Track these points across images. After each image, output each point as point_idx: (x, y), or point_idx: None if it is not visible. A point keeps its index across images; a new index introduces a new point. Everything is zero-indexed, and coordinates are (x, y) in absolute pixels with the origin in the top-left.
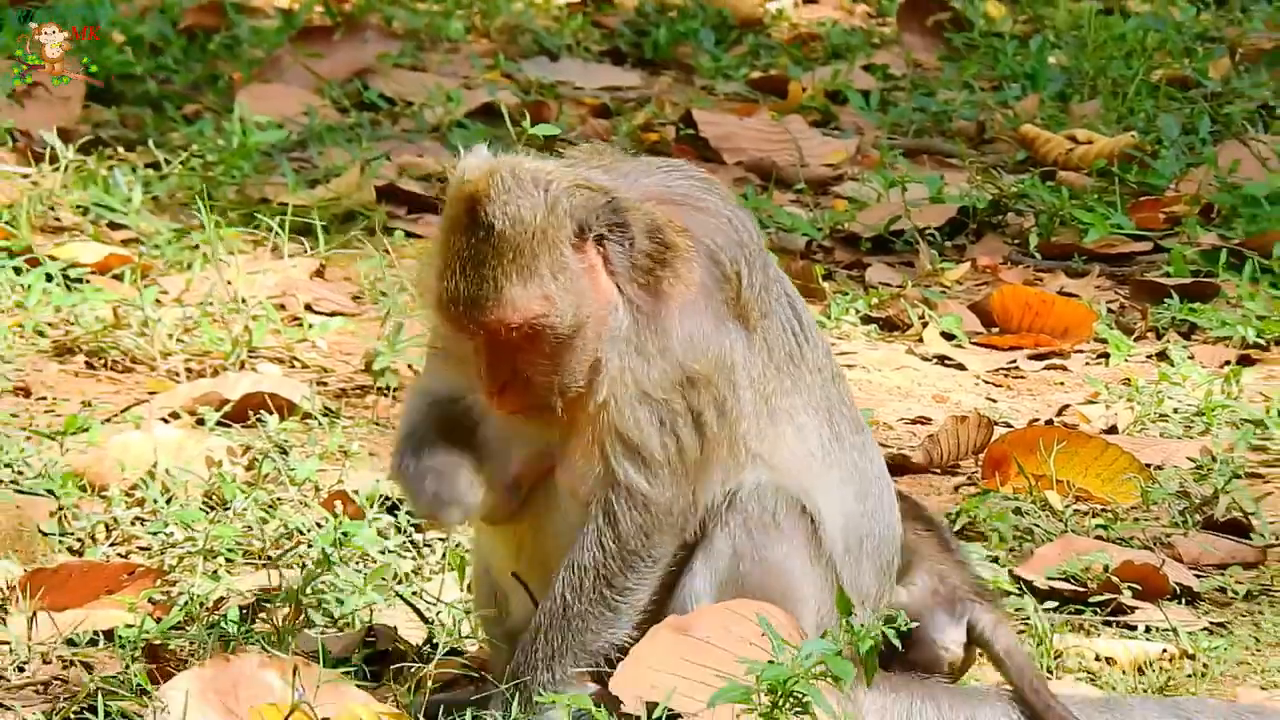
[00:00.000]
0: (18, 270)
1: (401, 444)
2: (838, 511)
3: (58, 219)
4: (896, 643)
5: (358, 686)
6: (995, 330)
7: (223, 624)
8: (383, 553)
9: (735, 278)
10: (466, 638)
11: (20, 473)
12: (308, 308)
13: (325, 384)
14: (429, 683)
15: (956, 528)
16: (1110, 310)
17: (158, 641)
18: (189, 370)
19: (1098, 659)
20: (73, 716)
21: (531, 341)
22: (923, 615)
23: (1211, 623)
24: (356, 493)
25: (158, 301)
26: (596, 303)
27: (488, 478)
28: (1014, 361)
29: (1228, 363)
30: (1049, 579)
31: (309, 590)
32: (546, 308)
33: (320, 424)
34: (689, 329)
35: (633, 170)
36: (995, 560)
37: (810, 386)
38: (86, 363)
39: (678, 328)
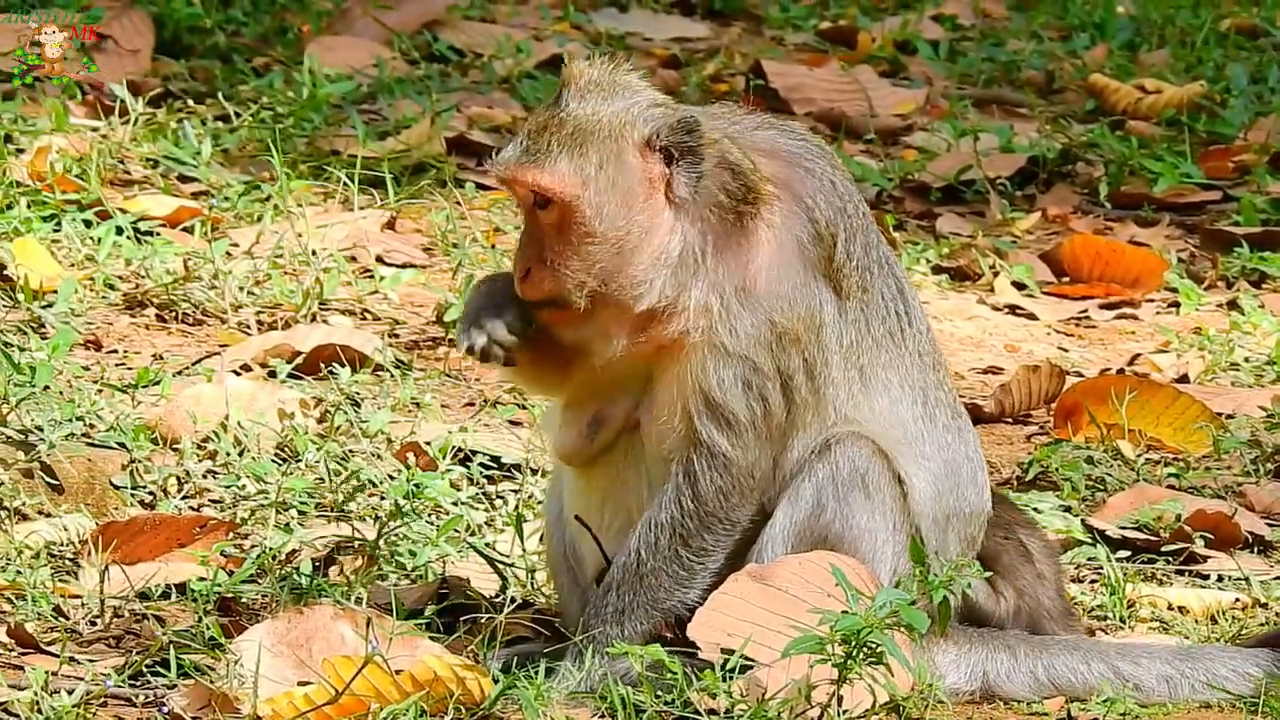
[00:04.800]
0: (88, 223)
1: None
2: (927, 483)
3: (128, 172)
4: (971, 594)
5: (431, 639)
6: (1066, 280)
7: (295, 576)
8: (455, 504)
9: (829, 238)
10: (540, 589)
11: (92, 426)
12: (379, 259)
13: (397, 336)
14: (501, 635)
15: (1028, 477)
16: (1180, 259)
17: (230, 594)
18: (260, 323)
19: (1170, 608)
20: (145, 669)
21: (563, 225)
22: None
23: None
24: (429, 444)
25: (228, 254)
26: (645, 216)
27: (570, 414)
28: (1085, 311)
29: None
30: (1121, 528)
31: (382, 542)
32: (580, 189)
33: (392, 376)
34: (776, 276)
35: (749, 124)
36: (1068, 510)
37: (908, 367)
38: (157, 315)
39: (764, 274)
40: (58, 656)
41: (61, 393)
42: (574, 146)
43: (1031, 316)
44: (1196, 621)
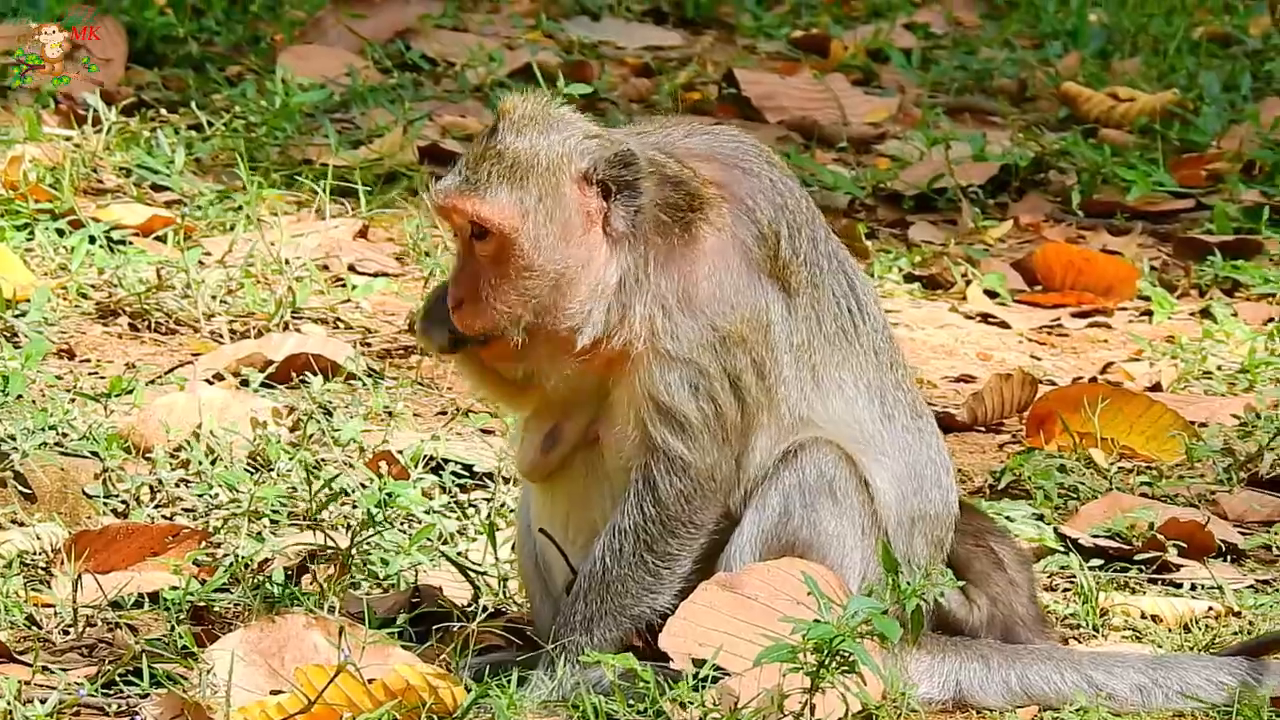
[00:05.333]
0: (61, 232)
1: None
2: (888, 484)
3: (100, 181)
4: (944, 602)
5: (403, 647)
6: (1038, 288)
7: (268, 585)
8: (427, 513)
9: (773, 237)
10: (512, 598)
11: (65, 435)
12: (351, 268)
13: (369, 344)
14: (474, 643)
15: (1001, 486)
16: (1153, 267)
17: (203, 603)
18: (232, 332)
19: (1144, 616)
20: (118, 678)
21: (500, 258)
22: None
23: (1257, 580)
24: (401, 453)
25: (201, 263)
26: (583, 249)
27: (529, 429)
28: (1057, 319)
29: (1271, 320)
30: (1094, 536)
31: (354, 551)
32: (519, 222)
33: (364, 384)
34: (718, 281)
35: (679, 133)
36: (1040, 518)
37: (863, 366)
38: (130, 324)
39: (706, 280)
40: (30, 666)
41: (34, 401)
42: (513, 178)
43: (1004, 325)
44: (1169, 630)
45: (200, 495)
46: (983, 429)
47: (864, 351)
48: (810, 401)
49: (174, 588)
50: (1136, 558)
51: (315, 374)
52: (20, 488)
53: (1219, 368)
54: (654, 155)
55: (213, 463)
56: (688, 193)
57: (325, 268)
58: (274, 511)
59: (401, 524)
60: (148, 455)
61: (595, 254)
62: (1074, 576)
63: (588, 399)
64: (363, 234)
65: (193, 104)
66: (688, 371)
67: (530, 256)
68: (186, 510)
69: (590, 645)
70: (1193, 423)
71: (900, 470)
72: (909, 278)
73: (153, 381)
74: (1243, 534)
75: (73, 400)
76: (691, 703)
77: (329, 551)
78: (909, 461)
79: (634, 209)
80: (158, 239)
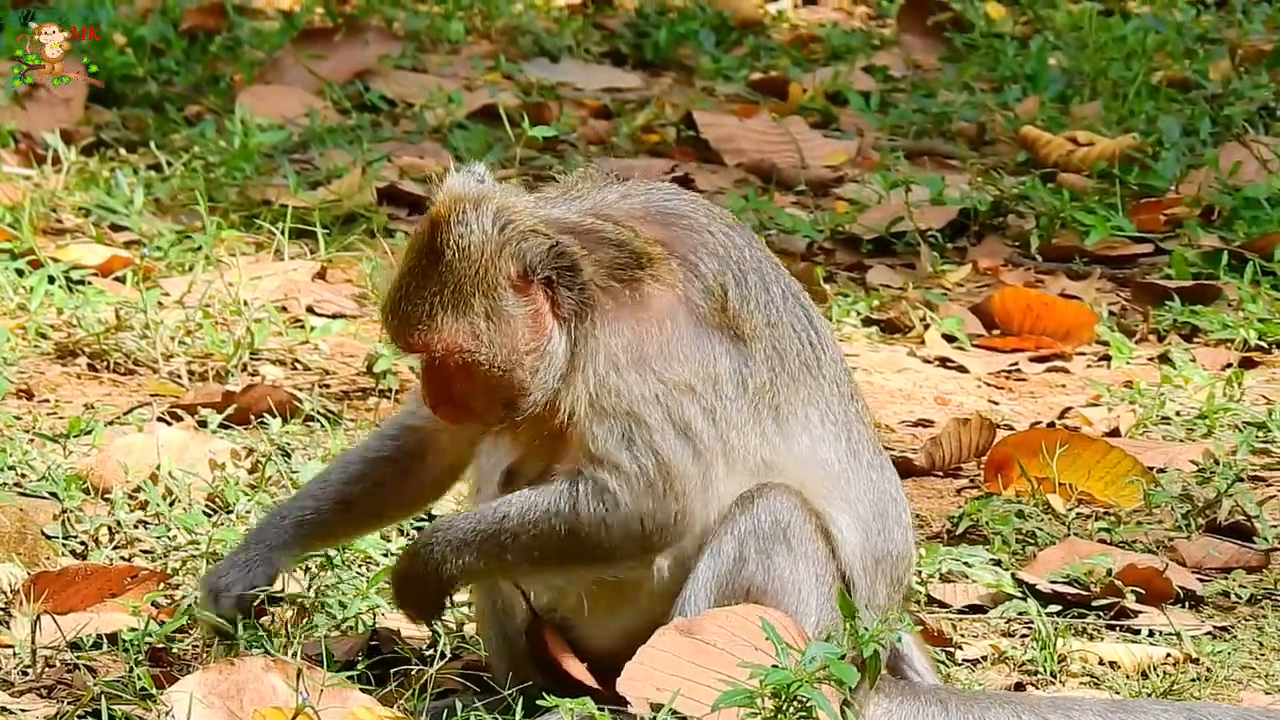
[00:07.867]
0: (20, 272)
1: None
2: (855, 527)
3: (60, 221)
4: (900, 647)
5: (362, 690)
6: (996, 332)
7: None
8: (385, 555)
9: (719, 289)
10: (469, 642)
11: (23, 475)
12: (309, 310)
13: (327, 386)
14: (432, 687)
15: (959, 531)
16: (1112, 312)
17: (161, 645)
18: (191, 373)
19: (1101, 663)
20: (77, 719)
21: (464, 370)
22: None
23: (1215, 627)
24: None
25: (160, 304)
26: (537, 340)
27: (480, 476)
28: (1015, 364)
29: (1229, 365)
30: (1052, 582)
31: (312, 593)
32: (474, 344)
33: (323, 426)
34: (664, 337)
35: (615, 194)
36: (998, 564)
37: (829, 400)
38: (89, 365)
39: (653, 336)
40: None
41: None
42: (457, 301)
43: (962, 369)
44: (1127, 676)
45: (159, 537)
46: (940, 474)
47: (828, 384)
48: (774, 445)
49: (133, 629)
50: (1094, 604)
51: (274, 415)
52: None
53: (1177, 413)
54: (591, 222)
55: (171, 504)
56: (632, 252)
57: (284, 309)
58: None
59: (359, 566)
60: (106, 496)
61: (551, 339)
62: (1031, 622)
63: (539, 446)
64: (321, 275)
65: (152, 144)
66: (625, 423)
67: (490, 365)
68: (145, 552)
69: (453, 563)
70: (1151, 468)
71: (865, 511)
72: (867, 321)
73: (111, 422)
74: (1201, 580)
75: (31, 441)
76: None
77: (287, 594)
78: (874, 500)
79: (580, 286)
80: (117, 279)
